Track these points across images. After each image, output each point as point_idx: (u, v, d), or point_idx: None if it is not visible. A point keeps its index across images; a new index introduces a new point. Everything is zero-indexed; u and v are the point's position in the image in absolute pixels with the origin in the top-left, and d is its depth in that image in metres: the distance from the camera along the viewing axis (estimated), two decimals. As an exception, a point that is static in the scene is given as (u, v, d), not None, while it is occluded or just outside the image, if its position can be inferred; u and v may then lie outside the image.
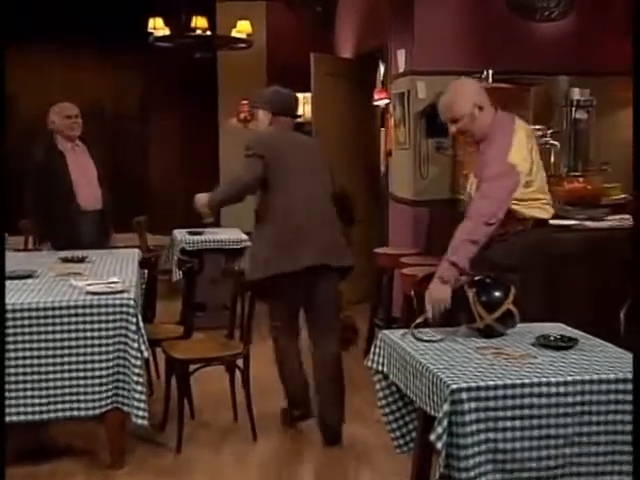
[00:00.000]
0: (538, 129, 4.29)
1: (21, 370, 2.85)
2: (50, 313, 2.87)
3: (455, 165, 4.94)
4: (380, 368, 2.54)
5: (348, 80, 6.26)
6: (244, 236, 5.59)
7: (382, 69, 6.29)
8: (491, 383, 2.00)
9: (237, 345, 3.48)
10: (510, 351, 2.29)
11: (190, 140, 8.21)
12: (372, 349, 2.58)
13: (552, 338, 2.35)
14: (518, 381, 2.02)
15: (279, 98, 3.47)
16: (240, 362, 3.44)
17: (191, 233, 5.63)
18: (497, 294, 2.42)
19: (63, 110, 4.45)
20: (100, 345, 2.92)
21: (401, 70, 5.16)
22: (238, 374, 3.47)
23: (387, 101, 5.71)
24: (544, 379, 2.02)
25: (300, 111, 7.53)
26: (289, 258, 3.19)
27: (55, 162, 4.35)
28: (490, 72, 4.68)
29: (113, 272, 3.52)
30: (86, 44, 7.95)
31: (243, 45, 6.71)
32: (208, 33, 6.35)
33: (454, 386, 1.99)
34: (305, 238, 3.22)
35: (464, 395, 1.98)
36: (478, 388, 1.99)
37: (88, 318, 2.90)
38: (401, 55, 5.14)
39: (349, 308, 5.57)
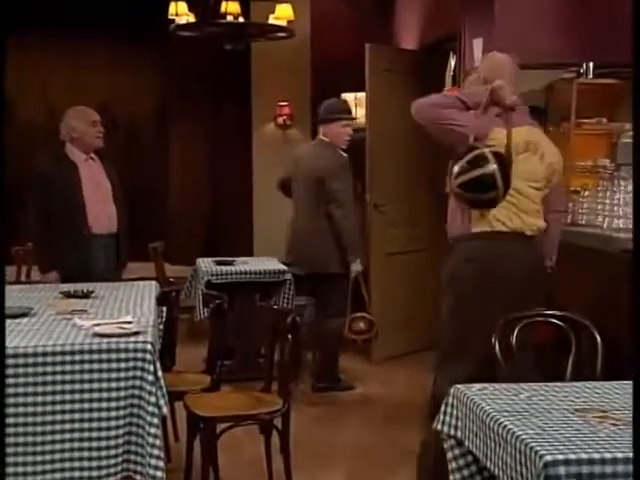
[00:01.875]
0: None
1: (11, 430, 2.87)
2: (49, 360, 2.90)
3: (545, 180, 4.90)
4: (453, 432, 2.51)
5: (411, 77, 6.29)
6: (282, 266, 5.62)
7: (453, 63, 6.30)
8: (596, 456, 1.95)
9: (275, 400, 3.48)
10: (620, 415, 2.23)
11: (218, 151, 8.34)
12: (442, 409, 2.56)
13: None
14: (631, 455, 1.96)
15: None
16: (278, 422, 3.44)
17: (219, 263, 5.69)
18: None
19: (87, 115, 4.58)
20: (109, 399, 2.94)
21: (477, 64, 5.16)
22: (275, 436, 3.47)
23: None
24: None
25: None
26: None
27: (66, 175, 4.47)
28: (590, 65, 4.65)
29: (125, 310, 3.55)
30: (93, 35, 8.13)
31: (282, 34, 6.78)
32: (241, 20, 6.45)
33: (549, 457, 1.95)
34: None
35: (562, 470, 1.94)
36: (579, 462, 1.94)
37: (95, 366, 2.93)
38: (478, 45, 5.14)
39: (409, 358, 5.55)
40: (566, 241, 4.24)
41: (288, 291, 5.50)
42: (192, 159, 8.36)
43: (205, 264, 5.68)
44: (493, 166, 3.20)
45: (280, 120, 8.17)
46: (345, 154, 5.37)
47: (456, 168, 3.25)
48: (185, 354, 4.41)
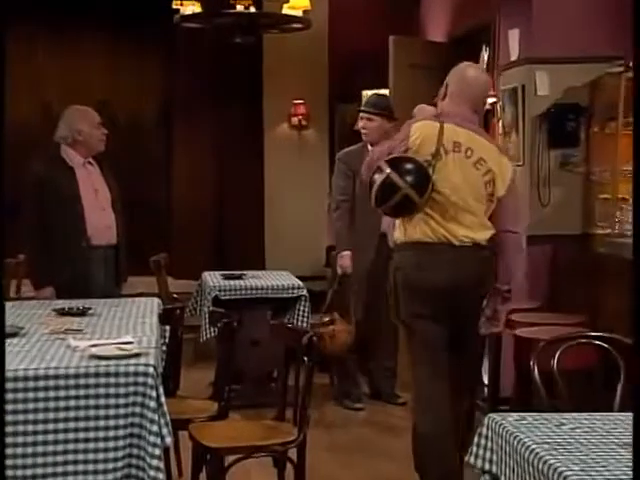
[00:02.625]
0: None
1: None
2: (41, 384, 2.90)
3: (588, 187, 4.89)
4: (487, 467, 2.50)
5: (439, 72, 6.25)
6: (296, 281, 5.62)
7: (486, 56, 6.29)
8: (648, 494, 1.93)
9: (289, 430, 3.47)
10: (674, 448, 2.21)
11: (226, 154, 8.36)
12: (475, 440, 2.54)
13: None
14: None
15: None
16: (293, 453, 3.42)
17: (227, 277, 5.69)
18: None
19: (93, 117, 4.63)
20: (107, 428, 2.94)
21: (514, 57, 5.16)
22: (290, 470, 3.46)
23: (493, 100, 5.70)
24: None
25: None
26: None
27: (63, 181, 4.48)
28: (639, 60, 4.63)
29: (125, 329, 3.55)
30: (91, 27, 8.18)
31: (298, 26, 6.80)
32: (252, 10, 6.47)
33: (595, 496, 1.93)
34: None
35: (609, 509, 1.92)
36: (630, 500, 1.92)
37: (92, 391, 2.93)
38: (514, 37, 5.14)
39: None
40: (612, 254, 4.21)
41: (303, 308, 5.49)
42: (198, 163, 8.38)
43: (212, 278, 5.67)
44: (387, 171, 3.53)
45: (295, 120, 8.19)
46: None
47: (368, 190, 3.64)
48: (190, 378, 4.41)
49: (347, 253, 5.43)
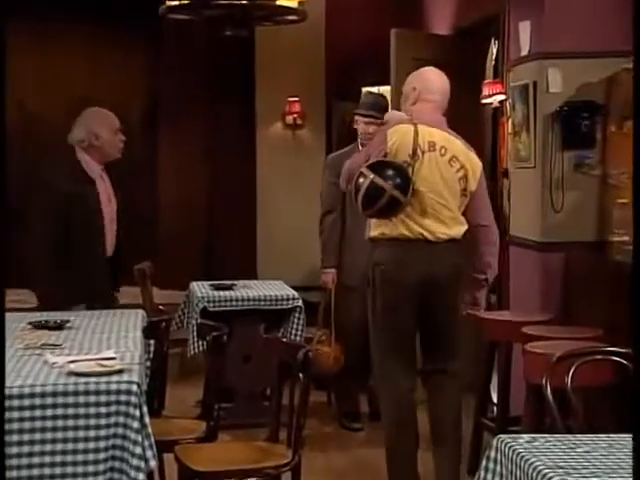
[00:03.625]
0: None
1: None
2: (15, 404, 2.88)
3: (605, 190, 4.89)
4: (497, 492, 2.49)
5: (444, 67, 6.25)
6: (291, 292, 5.61)
7: (495, 51, 6.30)
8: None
9: (283, 452, 3.46)
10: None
11: (216, 155, 8.38)
12: (483, 463, 2.53)
13: None
14: None
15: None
16: (287, 477, 3.42)
17: (216, 287, 5.69)
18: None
19: (113, 121, 4.68)
20: (86, 451, 2.92)
21: (524, 52, 5.16)
22: (284, 495, 3.45)
23: (502, 97, 5.70)
24: None
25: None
26: None
27: (88, 196, 4.55)
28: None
29: (106, 343, 3.55)
30: (71, 17, 8.16)
31: (293, 18, 6.81)
32: (244, 1, 6.47)
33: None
34: None
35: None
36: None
37: (70, 411, 2.92)
38: (524, 29, 5.15)
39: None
40: (630, 263, 4.20)
41: (298, 320, 5.49)
42: (186, 165, 8.38)
43: (200, 289, 5.67)
44: (370, 176, 3.93)
45: (289, 119, 8.19)
46: None
47: (353, 196, 4.05)
48: (176, 396, 4.41)
49: (330, 270, 5.45)
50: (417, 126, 4.03)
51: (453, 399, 4.23)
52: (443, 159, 4.06)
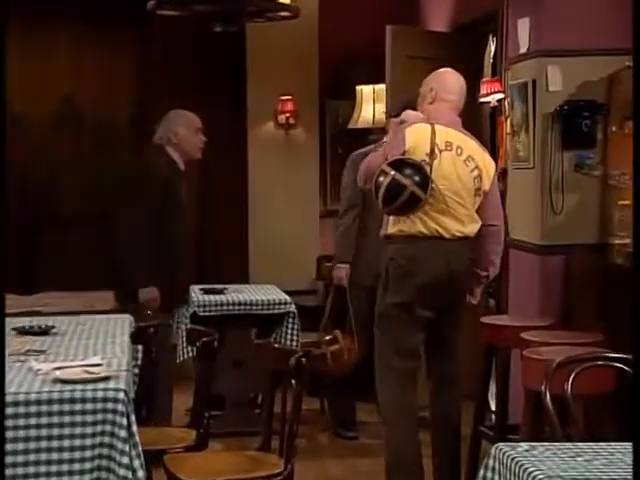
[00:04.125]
0: None
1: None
2: (-1, 411, 2.89)
3: (606, 192, 4.90)
4: (494, 503, 2.49)
5: (441, 64, 6.27)
6: (284, 296, 5.62)
7: (493, 48, 6.31)
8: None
9: (275, 462, 3.46)
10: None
11: (206, 156, 8.29)
12: (481, 473, 2.54)
13: None
14: None
15: None
16: (279, 488, 3.42)
17: (207, 291, 5.70)
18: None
19: (191, 120, 5.16)
20: (72, 460, 2.92)
21: (523, 49, 5.18)
22: (276, 506, 3.45)
23: (500, 96, 5.71)
24: None
25: (368, 111, 7.64)
26: None
27: (180, 184, 5.08)
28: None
29: (93, 349, 3.55)
30: (54, 12, 8.13)
31: (285, 14, 6.79)
32: (235, -4, 6.47)
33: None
34: None
35: None
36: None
37: (56, 419, 2.91)
38: (523, 26, 5.16)
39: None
40: (628, 265, 4.22)
41: (292, 325, 5.50)
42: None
43: (190, 293, 5.66)
44: (391, 173, 4.13)
45: (282, 118, 8.18)
46: None
47: (374, 193, 4.22)
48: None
49: (344, 266, 5.46)
50: (434, 125, 4.24)
51: (454, 404, 4.45)
52: (460, 158, 4.27)
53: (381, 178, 4.15)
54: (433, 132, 4.23)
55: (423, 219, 4.21)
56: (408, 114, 4.45)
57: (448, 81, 4.40)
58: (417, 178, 4.14)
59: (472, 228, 4.29)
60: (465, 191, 4.27)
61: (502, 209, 4.52)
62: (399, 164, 4.17)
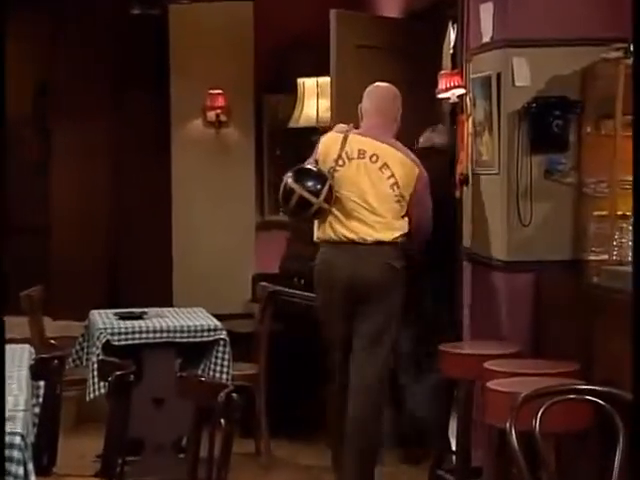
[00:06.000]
0: None
1: None
2: None
3: (580, 202, 4.95)
4: None
5: (393, 55, 6.34)
6: (213, 321, 5.60)
7: (453, 37, 6.36)
8: None
9: (200, 515, 3.44)
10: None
11: (122, 159, 8.33)
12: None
13: None
14: None
15: None
16: None
17: (122, 316, 5.66)
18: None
19: None
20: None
21: (486, 38, 5.21)
22: None
23: (461, 91, 5.75)
24: None
25: (311, 107, 7.64)
26: None
27: None
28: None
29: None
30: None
31: (214, -6, 6.80)
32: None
33: None
34: None
35: None
36: None
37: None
38: (487, 12, 5.20)
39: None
40: (610, 286, 4.27)
41: (222, 355, 5.47)
42: (86, 170, 8.32)
43: (103, 318, 5.63)
44: (288, 180, 5.03)
45: (211, 115, 8.17)
46: None
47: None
48: (71, 448, 4.36)
49: None
50: (347, 135, 5.07)
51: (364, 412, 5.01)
52: (374, 166, 5.01)
53: (281, 185, 5.09)
54: (344, 140, 5.04)
55: (332, 225, 5.02)
56: (337, 126, 5.27)
57: (369, 90, 5.24)
58: (310, 184, 4.98)
59: (388, 234, 4.99)
60: (377, 198, 4.99)
61: (428, 213, 5.19)
62: (297, 171, 5.08)
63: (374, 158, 5.01)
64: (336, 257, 5.03)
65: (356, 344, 5.03)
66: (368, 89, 5.26)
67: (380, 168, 5.00)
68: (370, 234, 4.97)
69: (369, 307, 5.00)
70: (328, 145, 5.12)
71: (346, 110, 6.16)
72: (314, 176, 5.01)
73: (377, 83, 5.29)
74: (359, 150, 5.02)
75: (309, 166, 5.10)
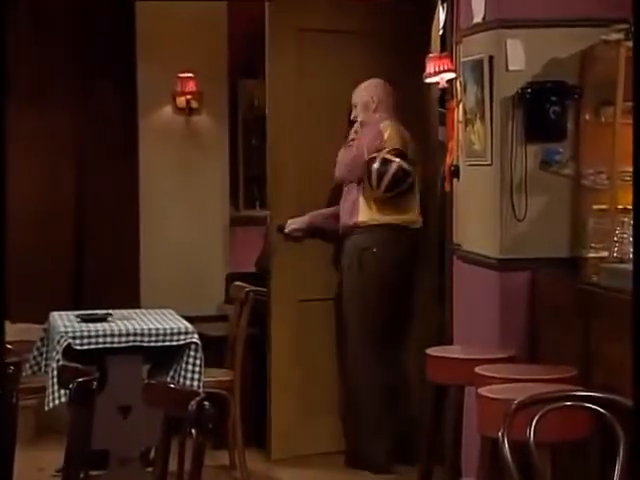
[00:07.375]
0: None
1: None
2: None
3: (578, 194, 4.97)
4: None
5: (377, 37, 6.36)
6: (184, 324, 5.60)
7: (442, 17, 6.37)
8: None
9: (169, 533, 3.44)
10: None
11: (85, 151, 8.31)
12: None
13: None
14: None
15: None
16: None
17: (85, 319, 5.64)
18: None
19: None
20: None
21: (478, 19, 5.23)
22: None
23: (451, 76, 5.77)
24: None
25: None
26: None
27: None
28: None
29: None
30: None
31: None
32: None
33: None
34: None
35: None
36: None
37: None
38: (478, -9, 5.22)
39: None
40: (609, 285, 4.28)
41: (193, 360, 5.47)
42: (46, 163, 8.29)
43: (64, 321, 5.62)
44: (396, 160, 6.04)
45: (181, 101, 8.15)
46: None
47: (373, 180, 6.09)
48: (29, 462, 4.36)
49: None
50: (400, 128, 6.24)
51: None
52: None
53: (381, 166, 6.04)
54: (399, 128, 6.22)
55: (383, 209, 6.19)
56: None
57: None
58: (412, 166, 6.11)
59: (412, 217, 6.32)
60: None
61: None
62: (396, 152, 6.08)
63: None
64: (395, 240, 6.19)
65: None
66: (367, 86, 6.32)
67: None
68: (412, 219, 6.32)
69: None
70: (391, 130, 6.24)
71: (314, 103, 6.27)
72: (409, 161, 6.10)
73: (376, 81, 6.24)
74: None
75: (401, 150, 6.14)
